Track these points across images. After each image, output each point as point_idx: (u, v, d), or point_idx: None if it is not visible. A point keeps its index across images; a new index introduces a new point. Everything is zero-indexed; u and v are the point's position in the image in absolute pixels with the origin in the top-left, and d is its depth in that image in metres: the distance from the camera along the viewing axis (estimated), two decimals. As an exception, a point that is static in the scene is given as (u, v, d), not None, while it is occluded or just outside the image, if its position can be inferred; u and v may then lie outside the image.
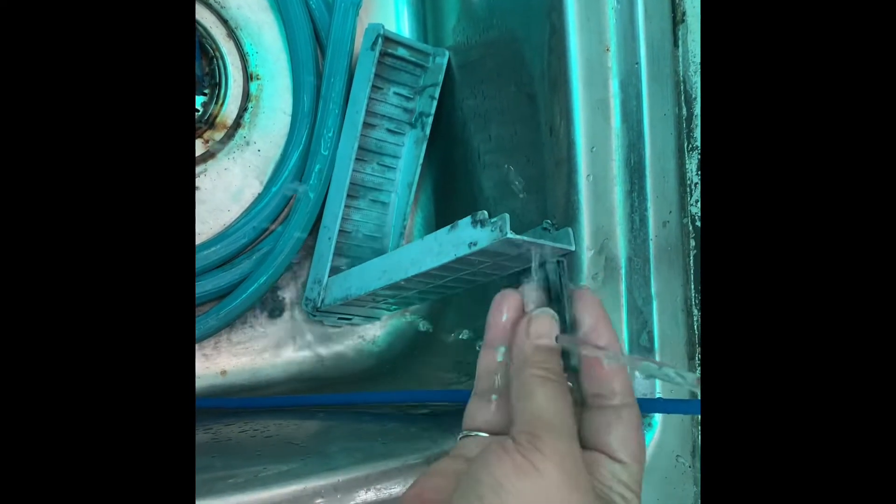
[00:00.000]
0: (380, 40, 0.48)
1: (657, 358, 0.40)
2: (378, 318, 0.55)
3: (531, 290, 0.30)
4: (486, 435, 0.29)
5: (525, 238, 0.34)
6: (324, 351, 0.54)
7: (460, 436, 0.30)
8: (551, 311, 0.28)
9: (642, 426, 0.28)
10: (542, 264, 0.30)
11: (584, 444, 0.28)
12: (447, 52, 0.51)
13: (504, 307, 0.29)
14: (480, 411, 0.30)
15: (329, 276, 0.49)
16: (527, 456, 0.24)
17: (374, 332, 0.55)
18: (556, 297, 0.30)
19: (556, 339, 0.29)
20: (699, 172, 0.41)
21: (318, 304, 0.49)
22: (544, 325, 0.28)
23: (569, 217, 0.40)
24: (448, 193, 0.54)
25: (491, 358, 0.30)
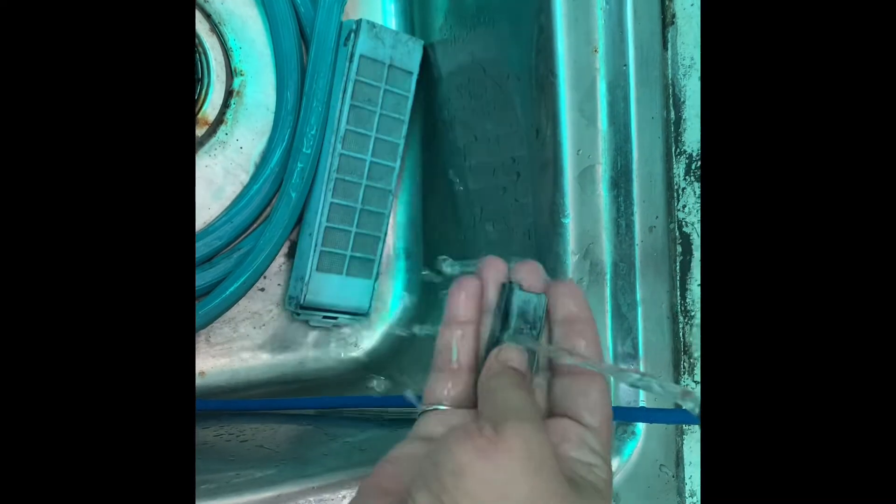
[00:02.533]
0: (353, 36, 0.48)
1: (641, 366, 0.39)
2: (366, 316, 0.54)
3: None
4: (447, 408, 0.29)
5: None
6: (306, 353, 0.53)
7: (420, 412, 0.30)
8: (519, 346, 0.29)
9: (610, 394, 0.29)
10: (523, 301, 0.30)
11: (553, 412, 0.28)
12: (421, 42, 0.50)
13: (464, 288, 0.30)
14: (440, 383, 0.30)
15: (311, 274, 0.48)
16: (490, 439, 0.24)
17: (357, 336, 0.54)
18: (533, 331, 0.29)
19: (537, 349, 0.29)
20: (687, 177, 0.41)
21: (302, 301, 0.49)
22: (513, 352, 0.29)
23: (554, 220, 0.40)
24: (433, 192, 0.53)
25: (450, 334, 0.30)
